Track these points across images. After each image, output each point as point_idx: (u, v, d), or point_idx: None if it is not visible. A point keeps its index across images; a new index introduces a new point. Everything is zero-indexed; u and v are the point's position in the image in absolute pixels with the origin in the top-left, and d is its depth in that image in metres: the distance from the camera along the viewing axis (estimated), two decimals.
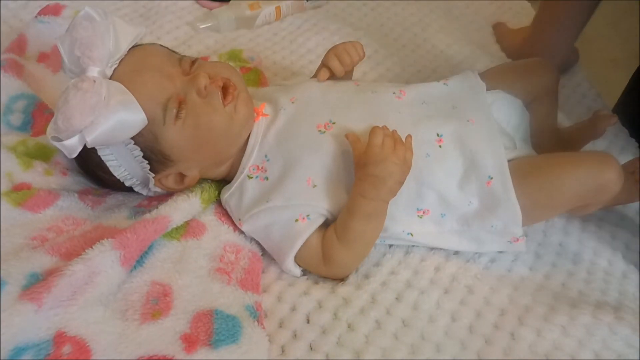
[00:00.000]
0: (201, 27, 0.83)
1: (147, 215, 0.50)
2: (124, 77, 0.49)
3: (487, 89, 0.62)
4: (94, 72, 0.47)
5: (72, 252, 0.46)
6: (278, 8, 0.86)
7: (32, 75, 0.60)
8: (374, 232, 0.53)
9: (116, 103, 0.46)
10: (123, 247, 0.45)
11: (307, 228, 0.52)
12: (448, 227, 0.56)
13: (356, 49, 0.60)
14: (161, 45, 0.56)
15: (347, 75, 0.62)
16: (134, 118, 0.47)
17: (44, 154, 0.56)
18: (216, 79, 0.51)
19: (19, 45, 0.64)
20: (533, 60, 0.71)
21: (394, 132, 0.53)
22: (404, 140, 0.53)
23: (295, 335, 0.49)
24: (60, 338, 0.40)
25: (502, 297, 0.54)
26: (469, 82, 0.62)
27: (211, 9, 0.86)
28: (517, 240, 0.56)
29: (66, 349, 0.39)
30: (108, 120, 0.46)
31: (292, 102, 0.57)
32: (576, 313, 0.53)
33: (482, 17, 0.95)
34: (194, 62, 0.53)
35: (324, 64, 0.60)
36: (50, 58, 0.63)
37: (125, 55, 0.50)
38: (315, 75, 0.62)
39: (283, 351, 0.47)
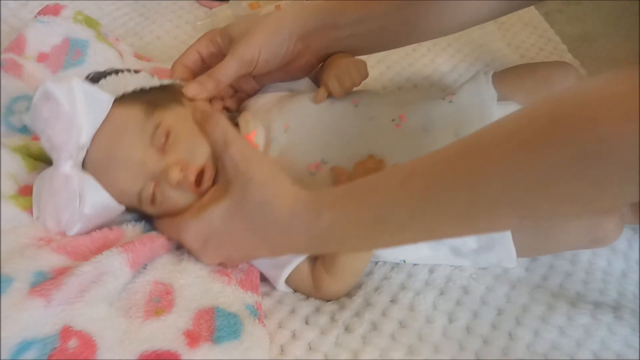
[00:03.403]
0: (199, 23, 0.83)
1: (156, 232, 0.51)
2: (95, 169, 0.48)
3: (501, 99, 0.58)
4: (65, 166, 0.47)
5: (78, 251, 0.47)
6: (278, 7, 0.86)
7: (31, 76, 0.60)
8: (361, 264, 0.52)
9: (88, 199, 0.47)
10: (131, 251, 0.46)
11: (294, 259, 0.50)
12: (442, 252, 0.55)
13: (359, 70, 0.56)
14: (135, 103, 0.50)
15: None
16: (109, 209, 0.48)
17: (48, 158, 0.55)
18: (189, 172, 0.48)
19: (18, 45, 0.64)
20: (555, 63, 0.67)
21: (380, 163, 0.52)
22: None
23: (294, 335, 0.49)
24: (66, 332, 0.40)
25: (499, 295, 0.54)
26: (477, 96, 0.57)
27: (211, 8, 0.86)
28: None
29: (72, 342, 0.40)
30: (83, 217, 0.47)
31: (285, 131, 0.54)
32: (574, 313, 0.53)
33: None
34: (168, 135, 0.49)
35: (323, 83, 0.56)
36: (49, 58, 0.63)
37: (95, 136, 0.48)
38: (315, 76, 0.60)
39: (282, 350, 0.48)
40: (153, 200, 0.49)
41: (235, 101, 0.62)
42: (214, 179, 0.50)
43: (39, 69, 0.62)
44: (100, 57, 0.63)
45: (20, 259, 0.44)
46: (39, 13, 0.67)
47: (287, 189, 0.44)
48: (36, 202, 0.49)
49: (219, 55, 0.57)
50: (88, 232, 0.49)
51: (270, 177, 0.44)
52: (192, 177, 0.48)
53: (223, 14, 0.83)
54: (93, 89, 0.48)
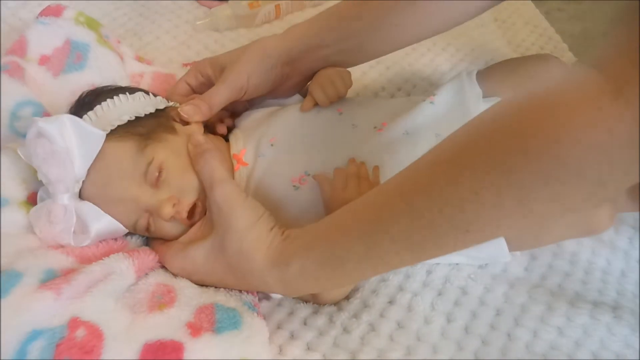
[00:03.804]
0: (198, 23, 0.83)
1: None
2: (91, 200, 0.50)
3: (486, 95, 0.59)
4: (63, 198, 0.48)
5: (85, 256, 0.48)
6: (278, 6, 0.86)
7: (33, 80, 0.60)
8: None
9: (92, 224, 0.48)
10: (137, 258, 0.48)
11: None
12: None
13: (343, 79, 0.58)
14: (128, 139, 0.51)
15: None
16: (113, 230, 0.50)
17: None
18: (181, 207, 0.50)
19: (20, 47, 0.64)
20: (538, 56, 0.68)
21: (361, 166, 0.52)
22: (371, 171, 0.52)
23: (292, 335, 0.50)
24: (74, 323, 0.42)
25: (497, 295, 0.54)
26: (459, 94, 0.59)
27: (211, 8, 0.86)
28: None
29: (80, 332, 0.41)
30: (88, 239, 0.49)
31: (272, 145, 0.56)
32: (573, 313, 0.53)
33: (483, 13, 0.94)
34: (160, 171, 0.50)
35: (309, 93, 0.59)
36: (50, 60, 0.63)
37: (90, 171, 0.49)
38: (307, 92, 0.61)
39: (281, 350, 0.48)
40: (147, 229, 0.51)
41: (232, 120, 0.63)
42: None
43: (41, 72, 0.61)
44: (101, 62, 0.63)
45: (30, 258, 0.46)
46: (41, 14, 0.66)
47: (263, 240, 0.45)
48: (34, 228, 0.50)
49: (209, 85, 0.59)
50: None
51: (248, 227, 0.45)
52: (184, 213, 0.50)
53: (222, 14, 0.83)
54: (85, 124, 0.49)
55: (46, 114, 0.58)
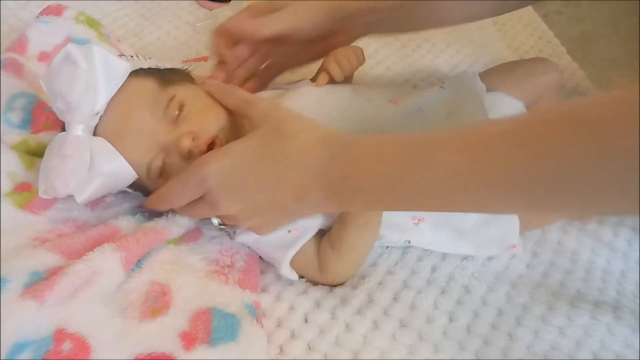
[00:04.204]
0: (199, 25, 0.83)
1: (149, 224, 0.51)
2: (106, 138, 0.48)
3: (487, 91, 0.61)
4: (77, 129, 0.47)
5: (73, 250, 0.47)
6: None
7: (32, 75, 0.60)
8: (367, 242, 0.52)
9: (102, 163, 0.47)
10: (124, 250, 0.46)
11: (300, 238, 0.51)
12: (445, 234, 0.55)
13: (356, 55, 0.60)
14: (150, 77, 0.52)
15: (348, 78, 0.62)
16: (122, 174, 0.48)
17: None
18: (200, 142, 0.49)
19: (20, 45, 0.64)
20: (536, 59, 0.70)
21: None
22: None
23: (293, 334, 0.49)
24: (60, 335, 0.40)
25: (500, 295, 0.54)
26: (467, 84, 0.61)
27: (211, 10, 0.86)
28: (514, 246, 0.57)
29: (66, 345, 0.40)
30: (95, 180, 0.47)
31: None
32: (574, 313, 0.53)
33: None
34: (181, 108, 0.50)
35: (324, 68, 0.60)
36: (51, 57, 0.63)
37: (110, 104, 0.49)
38: (315, 78, 0.62)
39: (281, 350, 0.48)
40: (162, 172, 0.50)
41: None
42: None
43: (41, 67, 0.62)
44: None
45: (15, 260, 0.44)
46: (41, 13, 0.67)
47: (318, 124, 0.45)
48: (44, 168, 0.49)
49: None
50: (95, 201, 0.50)
51: (300, 117, 0.46)
52: (203, 147, 0.48)
53: (223, 15, 0.83)
54: (112, 56, 0.48)
55: (41, 102, 0.58)
